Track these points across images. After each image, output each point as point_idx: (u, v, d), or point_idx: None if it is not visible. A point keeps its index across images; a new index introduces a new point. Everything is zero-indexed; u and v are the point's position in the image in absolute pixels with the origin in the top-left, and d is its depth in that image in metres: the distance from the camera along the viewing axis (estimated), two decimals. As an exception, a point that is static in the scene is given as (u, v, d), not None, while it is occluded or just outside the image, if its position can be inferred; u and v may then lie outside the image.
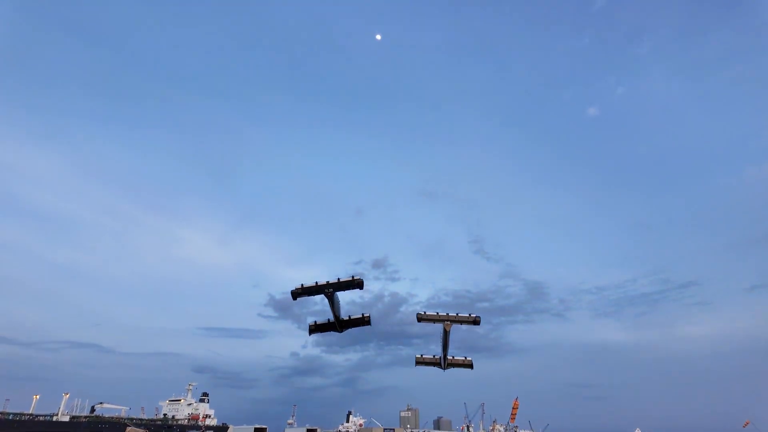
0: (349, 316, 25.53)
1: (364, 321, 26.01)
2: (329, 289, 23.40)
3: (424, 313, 23.20)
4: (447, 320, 22.84)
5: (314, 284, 23.15)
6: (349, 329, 25.19)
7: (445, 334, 24.27)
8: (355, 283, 22.83)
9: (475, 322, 22.98)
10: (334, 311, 24.71)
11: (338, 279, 23.29)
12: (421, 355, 26.45)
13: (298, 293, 24.07)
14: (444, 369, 26.23)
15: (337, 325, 25.56)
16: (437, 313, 22.69)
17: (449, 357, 25.22)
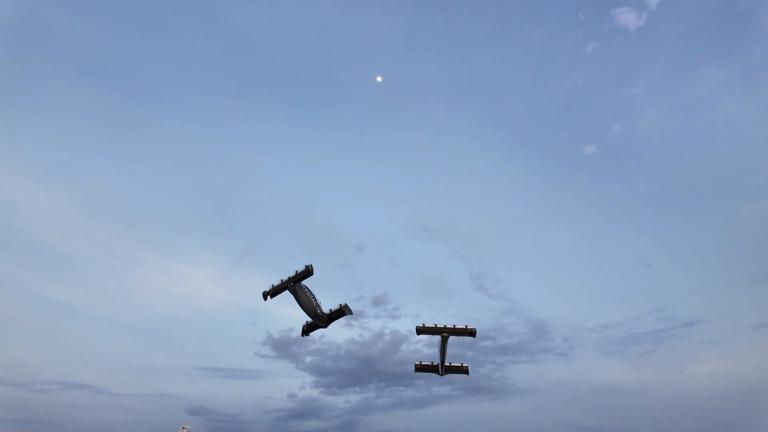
0: (331, 310, 25.80)
1: (343, 311, 25.99)
2: (291, 284, 24.01)
3: (423, 325, 24.28)
4: (445, 332, 24.25)
5: (280, 282, 24.13)
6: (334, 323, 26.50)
7: (443, 344, 25.35)
8: (308, 272, 23.35)
9: (472, 334, 24.34)
10: (301, 303, 25.55)
11: (296, 272, 24.20)
12: (420, 362, 27.43)
13: (267, 294, 24.73)
14: (441, 375, 27.51)
15: (317, 319, 25.67)
16: (435, 325, 24.20)
17: (447, 363, 26.50)
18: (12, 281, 56.30)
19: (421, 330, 24.45)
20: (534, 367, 65.28)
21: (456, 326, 23.94)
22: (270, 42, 71.28)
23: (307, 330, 27.07)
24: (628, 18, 64.66)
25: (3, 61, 56.66)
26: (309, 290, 25.33)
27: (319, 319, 26.24)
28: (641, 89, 69.83)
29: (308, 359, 62.30)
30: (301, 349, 63.16)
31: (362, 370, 61.36)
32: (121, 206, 64.97)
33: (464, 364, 26.78)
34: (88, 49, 62.29)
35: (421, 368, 27.36)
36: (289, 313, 67.68)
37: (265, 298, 24.59)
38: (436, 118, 76.61)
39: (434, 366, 27.09)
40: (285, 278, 23.72)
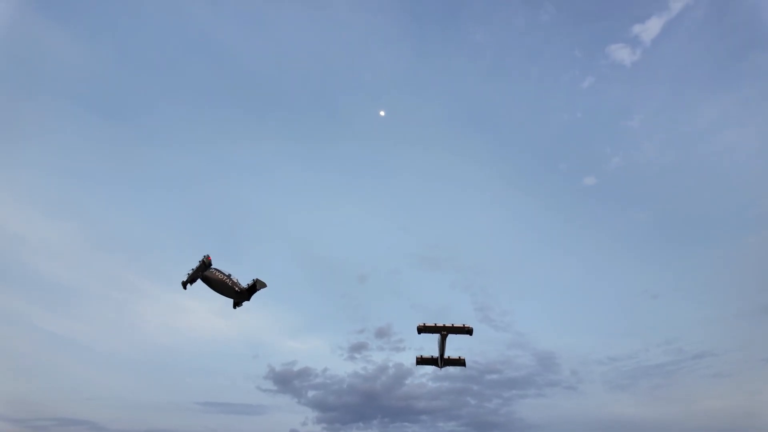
0: (248, 284, 28.50)
1: (256, 285, 28.90)
2: (199, 275, 26.50)
3: (424, 324, 26.61)
4: (444, 330, 26.92)
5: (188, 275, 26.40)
6: None
7: (442, 341, 27.75)
8: (206, 264, 26.28)
9: (469, 332, 26.75)
10: (216, 287, 27.56)
11: (199, 263, 26.45)
12: (421, 356, 29.90)
13: (186, 284, 26.69)
14: (441, 368, 29.83)
15: (238, 296, 28.85)
16: (435, 324, 26.74)
17: (445, 357, 29.05)
18: (16, 315, 56.25)
19: (422, 329, 26.71)
20: (542, 401, 63.73)
21: (454, 325, 26.50)
22: (276, 80, 73.64)
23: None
24: (623, 53, 66.76)
25: (13, 95, 58.67)
26: (219, 270, 27.35)
27: (239, 296, 28.96)
28: (639, 122, 71.30)
29: (310, 393, 61.08)
30: (304, 383, 62.08)
31: (366, 405, 60.02)
32: (126, 239, 65.51)
33: (461, 357, 29.27)
34: (97, 86, 64.48)
35: (422, 361, 29.76)
36: (291, 346, 66.87)
37: (185, 287, 27.13)
38: (438, 151, 77.97)
39: (434, 359, 29.39)
40: (191, 271, 26.66)
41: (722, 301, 66.96)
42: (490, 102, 76.70)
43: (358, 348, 63.30)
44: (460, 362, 29.75)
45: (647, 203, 73.66)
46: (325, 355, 66.23)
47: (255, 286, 29.08)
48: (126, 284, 63.60)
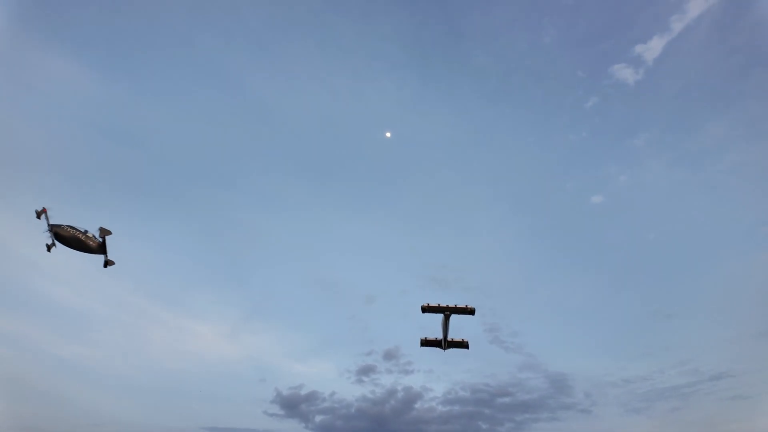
0: (98, 238, 30.16)
1: (102, 233, 30.46)
2: (50, 230, 28.22)
3: (428, 305, 27.94)
4: (447, 310, 28.18)
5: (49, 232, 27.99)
6: None
7: (445, 321, 29.05)
8: (39, 214, 27.84)
9: (471, 312, 28.15)
10: (69, 243, 29.21)
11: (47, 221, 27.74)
12: (426, 338, 30.95)
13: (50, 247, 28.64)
14: (444, 349, 30.81)
15: (90, 251, 30.55)
16: (438, 304, 28.00)
17: (449, 339, 30.24)
18: (26, 340, 56.56)
19: (426, 309, 28.12)
20: (556, 425, 62.18)
21: (457, 305, 28.06)
22: (283, 105, 75.13)
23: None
24: (626, 73, 67.43)
25: (28, 124, 60.30)
26: (70, 227, 28.30)
27: (100, 250, 30.79)
28: (644, 140, 71.48)
29: (318, 418, 60.12)
30: (311, 407, 61.26)
31: (375, 429, 58.87)
32: (135, 263, 66.10)
33: (464, 339, 30.49)
34: (110, 114, 66.18)
35: (426, 343, 30.92)
36: (298, 369, 66.20)
37: (49, 250, 29.22)
38: (445, 172, 78.48)
39: (438, 341, 30.63)
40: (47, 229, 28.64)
41: (738, 321, 65.58)
42: (495, 123, 77.49)
43: (366, 371, 62.51)
44: (463, 344, 30.81)
45: (656, 221, 73.11)
46: (332, 378, 65.45)
47: (103, 237, 30.67)
48: (134, 308, 63.82)
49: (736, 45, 63.57)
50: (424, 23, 74.80)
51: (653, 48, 65.69)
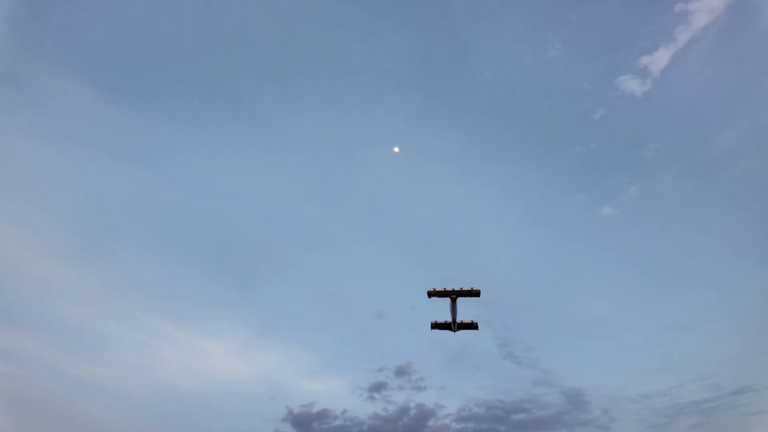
0: None
1: None
2: None
3: (434, 290, 28.90)
4: (453, 294, 29.04)
5: None
6: None
7: (453, 305, 29.87)
8: None
9: (477, 294, 28.87)
10: None
11: None
12: (436, 321, 31.55)
13: None
14: (455, 332, 31.70)
15: None
16: (444, 289, 28.84)
17: (458, 321, 31.08)
18: (39, 359, 56.92)
19: (432, 293, 29.05)
20: (573, 443, 60.70)
21: (463, 288, 28.87)
22: (291, 123, 76.22)
23: None
24: (633, 84, 67.50)
25: (39, 144, 61.79)
26: None
27: None
28: (654, 151, 71.11)
29: (330, 437, 59.29)
30: (323, 425, 60.52)
31: (388, 451, 57.88)
32: (147, 282, 66.62)
33: (474, 321, 31.18)
34: (120, 135, 67.62)
35: (436, 326, 31.59)
36: (309, 386, 65.64)
37: None
38: (453, 186, 78.65)
39: (448, 324, 31.36)
40: None
41: (759, 333, 63.95)
42: (502, 137, 77.73)
43: (377, 387, 61.75)
44: (473, 326, 31.52)
45: (669, 232, 72.19)
46: (344, 395, 64.68)
47: None
48: (146, 327, 64.11)
49: (744, 54, 63.46)
50: (429, 41, 75.91)
51: (660, 59, 65.79)
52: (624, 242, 73.10)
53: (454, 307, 30.43)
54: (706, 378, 63.77)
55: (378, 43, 75.64)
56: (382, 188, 77.74)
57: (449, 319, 31.12)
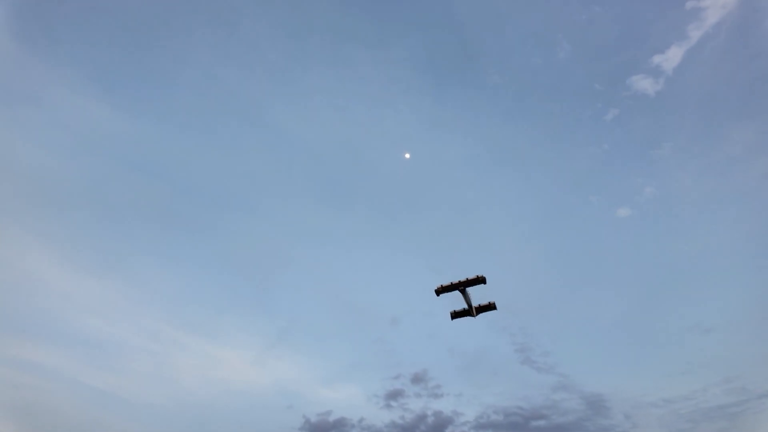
0: None
1: None
2: None
3: (441, 286, 30.10)
4: (461, 285, 30.14)
5: None
6: None
7: (464, 295, 30.95)
8: None
9: (483, 281, 30.05)
10: None
11: None
12: (454, 310, 32.58)
13: None
14: (475, 316, 32.71)
15: None
16: (451, 282, 30.06)
17: (475, 306, 32.17)
18: (60, 371, 57.92)
19: (440, 290, 30.42)
20: (595, 449, 59.58)
21: (468, 278, 30.05)
22: (302, 135, 77.02)
23: None
24: (645, 84, 66.75)
25: (61, 160, 63.24)
26: None
27: None
28: (669, 150, 70.11)
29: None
30: (341, 434, 60.24)
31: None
32: (164, 292, 67.52)
33: (491, 302, 32.18)
34: (137, 149, 68.95)
35: (456, 315, 32.70)
36: (326, 395, 65.52)
37: None
38: (465, 192, 78.46)
39: (466, 311, 32.51)
40: None
41: (784, 334, 62.18)
42: (513, 141, 77.42)
43: (394, 395, 61.34)
44: (491, 307, 32.59)
45: (688, 233, 70.91)
46: (360, 403, 64.36)
47: None
48: (164, 337, 64.85)
49: (758, 49, 62.42)
50: (436, 46, 76.22)
51: (672, 57, 65.02)
52: (640, 243, 71.96)
53: (467, 296, 31.47)
54: (732, 381, 62.03)
55: (385, 50, 76.20)
56: (394, 194, 77.93)
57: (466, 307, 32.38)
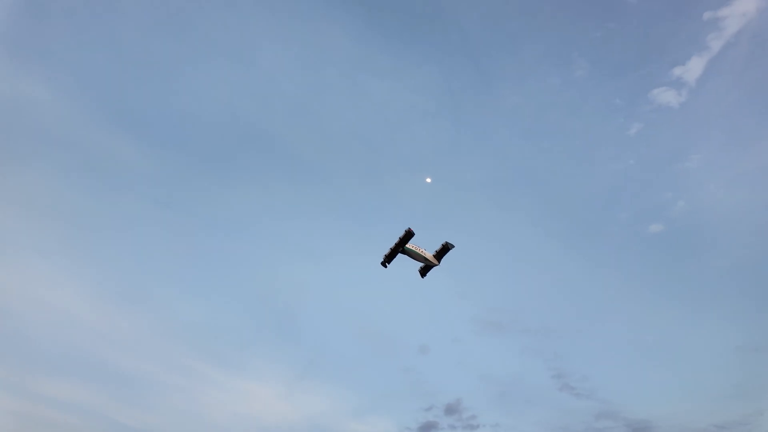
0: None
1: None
2: None
3: (383, 258, 34.01)
4: (398, 248, 32.98)
5: None
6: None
7: (411, 253, 33.03)
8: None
9: (411, 233, 31.67)
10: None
11: None
12: (420, 268, 34.61)
13: None
14: (438, 263, 34.00)
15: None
16: (389, 249, 33.21)
17: (432, 254, 33.59)
18: (90, 408, 58.19)
19: (384, 262, 33.30)
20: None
21: (400, 237, 32.25)
22: (324, 160, 78.01)
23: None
24: (668, 96, 65.77)
25: (92, 199, 65.54)
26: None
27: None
28: (698, 162, 68.17)
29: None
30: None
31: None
32: (191, 326, 67.91)
33: (444, 243, 33.18)
34: (161, 185, 70.93)
35: (422, 271, 34.34)
36: (355, 429, 63.69)
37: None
38: (489, 214, 77.58)
39: (426, 262, 33.87)
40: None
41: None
42: (535, 160, 76.77)
43: (427, 428, 59.21)
44: (447, 247, 33.40)
45: (723, 247, 67.86)
46: (393, 438, 62.17)
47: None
48: (192, 372, 64.76)
49: (784, 55, 61.05)
50: (452, 71, 77.23)
51: (693, 68, 64.14)
52: (676, 260, 69.22)
53: (415, 253, 32.95)
54: (789, 404, 57.61)
55: (400, 79, 77.57)
56: (416, 219, 77.60)
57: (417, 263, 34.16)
